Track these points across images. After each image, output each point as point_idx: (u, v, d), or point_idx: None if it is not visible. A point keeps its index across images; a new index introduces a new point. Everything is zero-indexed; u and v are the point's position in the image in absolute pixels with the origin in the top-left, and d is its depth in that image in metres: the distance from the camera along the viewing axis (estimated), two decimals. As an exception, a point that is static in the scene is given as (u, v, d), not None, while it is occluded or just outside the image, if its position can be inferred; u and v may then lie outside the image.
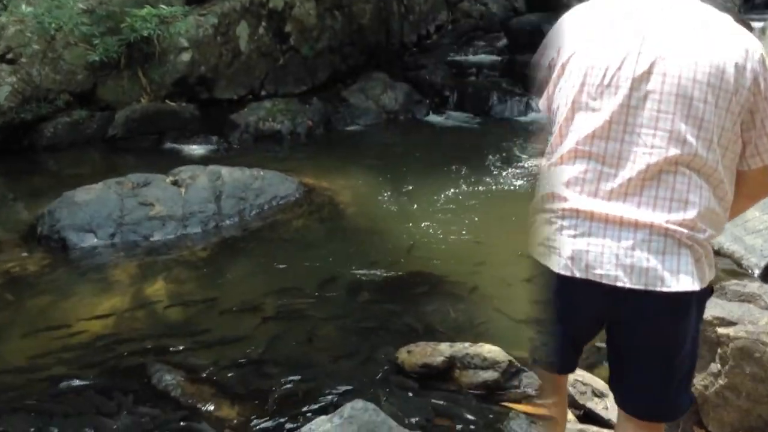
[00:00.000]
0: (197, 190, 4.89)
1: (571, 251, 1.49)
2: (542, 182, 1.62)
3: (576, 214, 1.50)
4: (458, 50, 10.14)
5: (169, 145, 6.72)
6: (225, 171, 5.12)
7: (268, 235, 4.81)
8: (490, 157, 6.54)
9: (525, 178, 5.97)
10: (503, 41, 10.28)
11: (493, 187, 5.78)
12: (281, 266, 4.33)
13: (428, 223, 5.01)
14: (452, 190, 5.67)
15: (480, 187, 5.77)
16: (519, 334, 3.15)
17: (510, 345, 3.06)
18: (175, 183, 4.99)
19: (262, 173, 5.29)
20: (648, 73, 1.44)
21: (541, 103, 1.74)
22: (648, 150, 1.44)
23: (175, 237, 4.64)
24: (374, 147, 7.18)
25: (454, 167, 6.24)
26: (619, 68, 1.47)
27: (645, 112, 1.45)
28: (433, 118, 8.10)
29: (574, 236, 1.49)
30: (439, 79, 8.52)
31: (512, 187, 5.73)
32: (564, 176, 1.52)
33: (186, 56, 7.08)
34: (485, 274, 4.10)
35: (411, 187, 5.80)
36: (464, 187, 5.79)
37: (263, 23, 7.69)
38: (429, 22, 10.58)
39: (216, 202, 4.88)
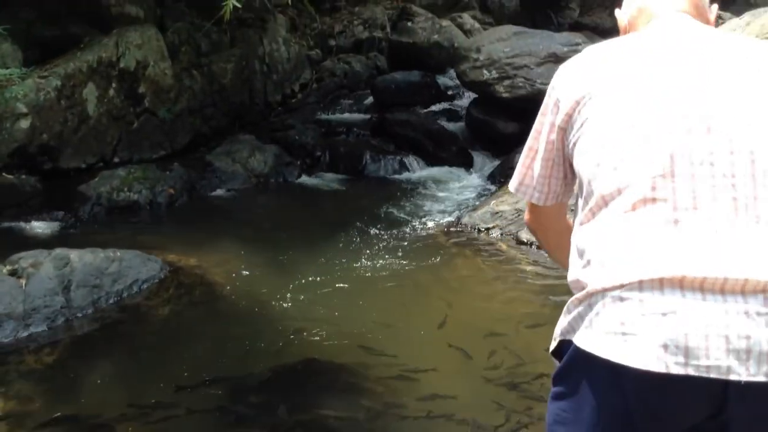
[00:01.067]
0: (41, 281, 4.15)
1: (662, 337, 1.08)
2: (583, 247, 1.25)
3: (659, 284, 1.11)
4: (325, 109, 9.91)
5: (6, 224, 5.82)
6: (74, 255, 4.41)
7: (130, 329, 4.15)
8: (370, 219, 6.24)
9: (409, 241, 5.70)
10: (370, 99, 10.20)
11: (378, 252, 5.45)
12: (147, 367, 3.71)
13: (313, 299, 4.58)
14: (335, 259, 5.29)
15: (365, 252, 5.42)
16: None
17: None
18: (13, 273, 4.22)
19: (119, 254, 4.62)
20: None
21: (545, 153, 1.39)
22: (730, 180, 1.13)
23: (14, 339, 3.88)
24: (245, 214, 6.66)
25: (333, 232, 5.87)
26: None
27: (715, 138, 1.15)
28: (305, 180, 7.71)
29: (663, 314, 1.09)
30: (310, 139, 8.18)
31: (398, 252, 5.42)
32: (624, 235, 1.15)
33: (25, 123, 6.26)
34: (387, 357, 3.70)
35: (290, 259, 5.35)
36: (348, 254, 5.42)
37: (113, 84, 7.02)
38: (293, 81, 10.28)
39: (64, 293, 4.16)
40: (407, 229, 6.02)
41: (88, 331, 4.08)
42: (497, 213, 5.81)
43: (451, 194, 7.26)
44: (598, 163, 1.22)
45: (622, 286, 1.13)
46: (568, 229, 1.39)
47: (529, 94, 7.83)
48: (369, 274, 5.04)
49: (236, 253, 5.39)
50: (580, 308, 1.22)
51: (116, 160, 7.01)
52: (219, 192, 7.04)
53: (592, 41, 9.37)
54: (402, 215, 6.49)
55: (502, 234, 5.61)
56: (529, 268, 5.08)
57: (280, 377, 3.54)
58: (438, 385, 3.44)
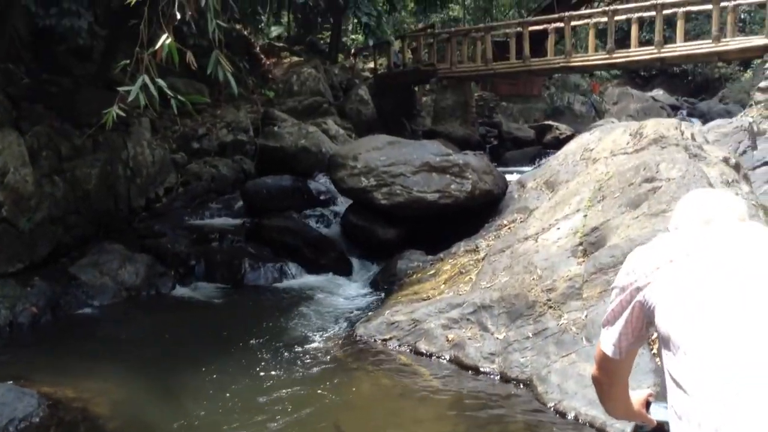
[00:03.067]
0: None
1: None
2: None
3: None
4: (193, 214, 9.59)
5: None
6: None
7: (8, 482, 3.57)
8: (256, 333, 5.97)
9: (302, 356, 5.47)
10: (239, 203, 10.01)
11: (269, 370, 5.18)
12: None
13: (205, 425, 4.21)
14: (223, 379, 4.94)
15: (255, 371, 5.13)
16: None
17: None
18: None
19: (-13, 390, 4.03)
20: None
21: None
22: None
23: None
24: (119, 333, 6.11)
25: (219, 350, 5.54)
26: None
27: None
28: (180, 291, 7.29)
29: None
30: (183, 247, 7.81)
31: (292, 368, 5.18)
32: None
33: None
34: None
35: (175, 382, 4.94)
36: (236, 373, 5.09)
37: (-35, 192, 6.36)
38: (158, 185, 9.88)
39: (-76, 444, 3.53)
40: (299, 343, 5.79)
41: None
42: (393, 323, 5.77)
43: (336, 302, 7.15)
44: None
45: None
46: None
47: (407, 201, 8.07)
48: (261, 395, 4.72)
49: (116, 380, 4.91)
50: None
51: (-34, 275, 6.26)
52: (87, 309, 6.45)
53: (449, 147, 9.84)
54: (290, 327, 6.26)
55: (399, 345, 5.56)
56: (433, 381, 5.03)
57: None
58: None
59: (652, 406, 1.76)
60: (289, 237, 8.29)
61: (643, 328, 1.54)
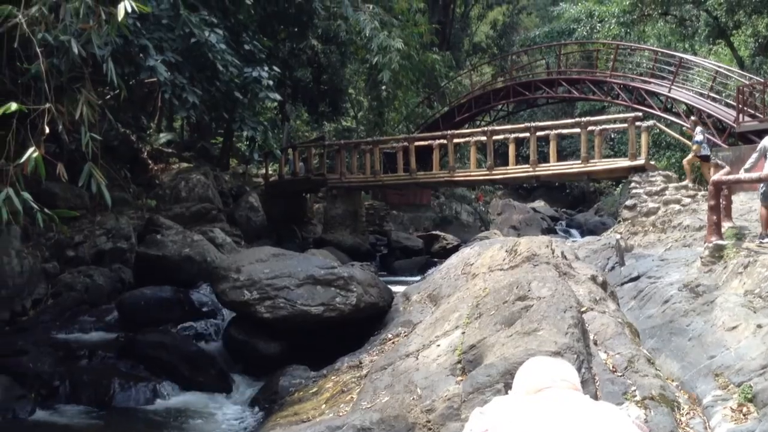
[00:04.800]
0: None
1: None
2: None
3: None
4: (63, 328, 8.99)
5: None
6: None
7: None
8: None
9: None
10: (114, 315, 9.51)
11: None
12: None
13: None
14: None
15: None
16: None
17: None
18: None
19: None
20: None
21: None
22: None
23: None
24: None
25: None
26: None
27: None
28: (40, 415, 6.69)
29: None
30: (46, 366, 7.23)
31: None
32: None
33: None
34: None
35: None
36: None
37: None
38: (25, 297, 9.26)
39: None
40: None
41: None
42: (270, 448, 5.51)
43: (211, 424, 6.76)
44: None
45: None
46: None
47: (290, 315, 7.93)
48: None
49: None
50: None
51: None
52: (-73, 439, 5.78)
53: (338, 258, 9.91)
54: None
55: (276, 472, 5.30)
56: None
57: None
58: None
59: None
60: (164, 353, 7.88)
61: None
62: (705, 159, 13.19)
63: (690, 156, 13.18)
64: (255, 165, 21.56)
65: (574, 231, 24.96)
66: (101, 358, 7.92)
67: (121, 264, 11.35)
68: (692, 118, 14.69)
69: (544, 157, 15.15)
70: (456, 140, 16.08)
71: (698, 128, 13.12)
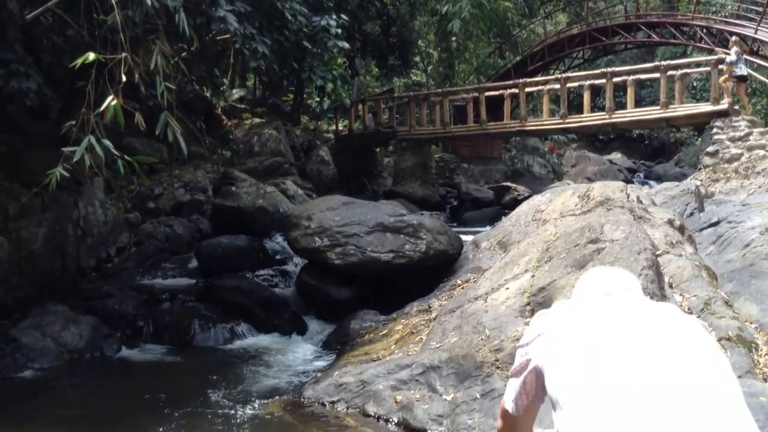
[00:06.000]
0: None
1: None
2: None
3: None
4: (145, 274, 9.42)
5: None
6: None
7: None
8: (203, 396, 5.80)
9: (248, 420, 5.32)
10: (194, 263, 9.88)
11: (209, 430, 5.01)
12: None
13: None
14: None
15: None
16: None
17: None
18: None
19: None
20: None
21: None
22: None
23: None
24: (61, 397, 5.87)
25: (165, 414, 5.35)
26: None
27: None
28: (126, 353, 7.09)
29: None
30: (131, 308, 7.63)
31: (228, 429, 5.03)
32: None
33: None
34: None
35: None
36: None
37: None
38: (109, 245, 9.72)
39: None
40: (246, 406, 5.63)
41: None
42: (341, 385, 5.66)
43: (286, 363, 7.01)
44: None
45: None
46: None
47: (360, 261, 8.05)
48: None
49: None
50: None
51: None
52: (27, 372, 6.22)
53: (408, 209, 9.93)
54: (238, 389, 6.10)
55: (347, 408, 5.45)
56: (379, 445, 4.93)
57: None
58: None
59: None
60: (241, 297, 8.17)
61: (537, 388, 1.58)
62: (741, 80, 12.61)
63: (724, 77, 12.50)
64: (326, 120, 21.70)
65: (652, 182, 24.14)
66: (182, 301, 8.28)
67: (198, 215, 11.74)
68: (733, 38, 13.85)
69: (621, 107, 14.61)
70: (528, 89, 15.69)
71: (733, 48, 12.49)
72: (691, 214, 8.99)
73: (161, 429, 5.01)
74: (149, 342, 7.37)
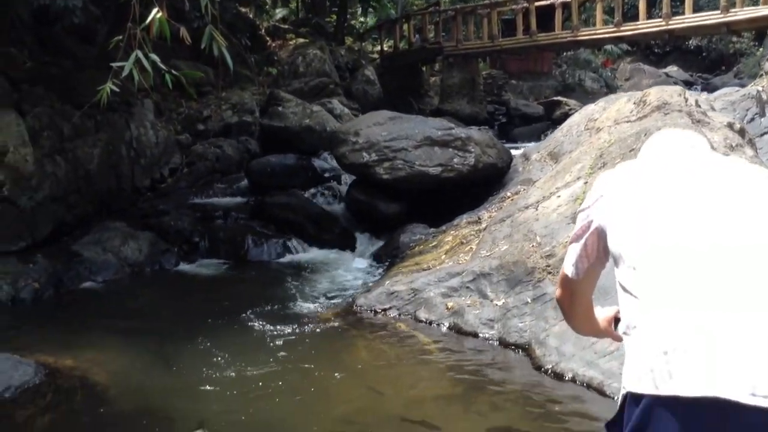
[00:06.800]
0: None
1: None
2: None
3: None
4: (198, 193, 9.59)
5: None
6: (-70, 363, 3.82)
7: (4, 445, 3.60)
8: (258, 305, 5.95)
9: (303, 326, 5.46)
10: (244, 182, 10.02)
11: (270, 341, 5.16)
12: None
13: (207, 397, 4.20)
14: (225, 351, 4.93)
15: (257, 342, 5.13)
16: None
17: None
18: None
19: (-16, 359, 4.06)
20: None
21: None
22: None
23: None
24: (121, 307, 6.14)
25: (221, 322, 5.54)
26: None
27: None
28: (184, 267, 7.31)
29: None
30: (186, 224, 7.82)
31: (293, 338, 5.17)
32: None
33: None
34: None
35: (176, 354, 4.93)
36: (238, 344, 5.09)
37: (-32, 171, 6.41)
38: (162, 166, 9.90)
39: None
40: (300, 315, 5.79)
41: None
42: (393, 293, 5.75)
43: (338, 276, 7.14)
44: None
45: None
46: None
47: (409, 176, 8.02)
48: (263, 365, 4.72)
49: (116, 351, 4.92)
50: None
51: (-31, 254, 6.31)
52: (89, 284, 6.49)
53: (458, 126, 9.75)
54: (292, 300, 6.26)
55: (399, 314, 5.54)
56: (431, 347, 5.01)
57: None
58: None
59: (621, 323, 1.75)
60: (292, 213, 8.28)
61: (599, 249, 1.55)
62: None
63: None
64: (370, 41, 21.30)
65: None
66: (234, 218, 8.44)
67: (247, 136, 11.82)
68: None
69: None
70: (580, -3, 15.06)
71: None
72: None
73: (219, 337, 5.18)
74: (205, 257, 7.57)
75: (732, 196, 1.37)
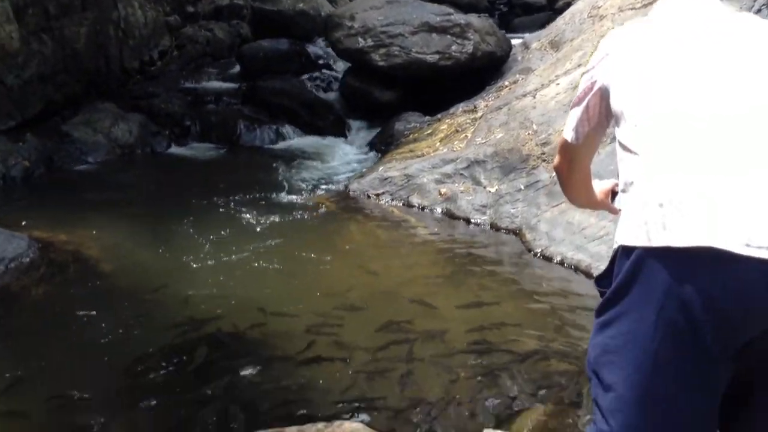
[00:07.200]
0: None
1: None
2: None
3: None
4: (188, 77, 9.35)
5: None
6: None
7: (1, 312, 3.66)
8: (251, 189, 5.93)
9: (297, 209, 5.47)
10: (236, 68, 9.77)
11: (263, 222, 5.18)
12: (27, 354, 3.28)
13: (199, 271, 4.25)
14: (218, 230, 4.96)
15: (250, 222, 5.15)
16: (380, 401, 2.65)
17: (375, 419, 2.53)
18: None
19: (-24, 232, 4.07)
20: None
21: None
22: None
23: None
24: (113, 187, 6.10)
25: (214, 203, 5.53)
26: None
27: None
28: (175, 150, 7.24)
29: None
30: (177, 108, 7.67)
31: (287, 220, 5.20)
32: None
33: None
34: (301, 324, 3.51)
35: (170, 231, 4.95)
36: (232, 224, 5.11)
37: (-51, 47, 6.19)
38: (151, 48, 9.59)
39: None
40: (294, 198, 5.79)
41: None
42: (386, 179, 5.74)
43: (331, 163, 7.10)
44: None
45: None
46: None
47: (405, 63, 7.83)
48: (254, 246, 4.74)
49: (109, 227, 4.94)
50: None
51: (-43, 131, 6.21)
52: (81, 165, 6.43)
53: (458, 12, 9.43)
54: (286, 184, 6.23)
55: (392, 199, 5.55)
56: (423, 231, 5.06)
57: (186, 353, 3.26)
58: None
59: (618, 196, 1.73)
60: (285, 99, 8.12)
61: (601, 112, 1.49)
62: None
63: None
64: None
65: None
66: (226, 103, 8.29)
67: (238, 20, 11.42)
68: None
69: None
70: None
71: None
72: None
73: (210, 219, 5.19)
74: (197, 141, 7.48)
75: (738, 57, 1.31)
